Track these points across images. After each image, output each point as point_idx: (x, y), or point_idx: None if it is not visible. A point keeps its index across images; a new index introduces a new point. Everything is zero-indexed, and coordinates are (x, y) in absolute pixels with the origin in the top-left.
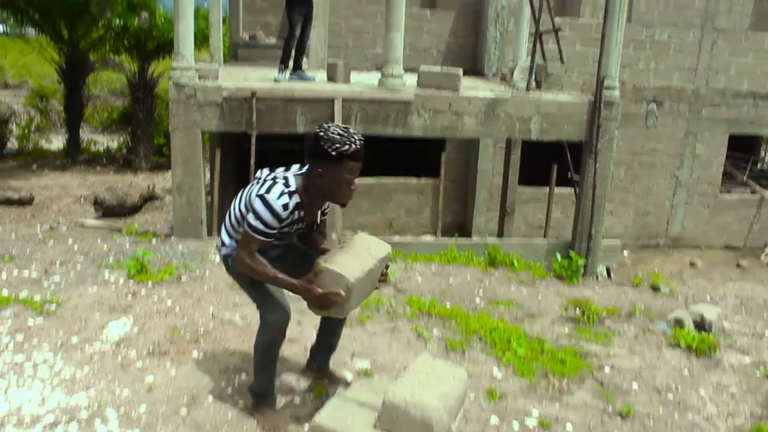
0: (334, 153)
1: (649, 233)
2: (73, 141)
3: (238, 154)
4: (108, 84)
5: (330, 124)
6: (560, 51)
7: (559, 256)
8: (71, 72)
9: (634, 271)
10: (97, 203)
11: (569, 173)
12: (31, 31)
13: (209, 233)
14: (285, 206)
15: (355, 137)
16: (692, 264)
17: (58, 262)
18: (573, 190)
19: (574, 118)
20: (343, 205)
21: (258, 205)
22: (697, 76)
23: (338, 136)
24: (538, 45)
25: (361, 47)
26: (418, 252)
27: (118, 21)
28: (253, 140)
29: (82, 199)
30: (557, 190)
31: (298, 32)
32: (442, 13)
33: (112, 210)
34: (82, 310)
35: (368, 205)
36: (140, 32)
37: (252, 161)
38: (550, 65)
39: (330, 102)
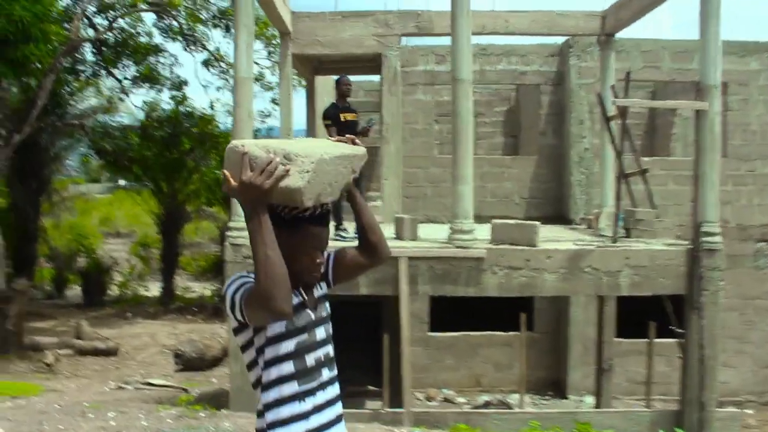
0: (287, 218)
1: None
2: (167, 289)
3: None
4: (209, 231)
5: None
6: (650, 194)
7: None
8: (168, 222)
9: None
10: (177, 356)
11: (671, 327)
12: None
13: None
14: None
15: None
16: None
17: None
18: (677, 342)
19: (670, 270)
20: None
21: (228, 291)
22: None
23: None
24: (624, 189)
25: (440, 197)
26: (496, 427)
27: (212, 174)
28: None
29: (166, 349)
30: (661, 340)
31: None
32: (523, 159)
33: (191, 363)
34: None
35: (452, 360)
36: None
37: None
38: (640, 210)
39: (394, 261)
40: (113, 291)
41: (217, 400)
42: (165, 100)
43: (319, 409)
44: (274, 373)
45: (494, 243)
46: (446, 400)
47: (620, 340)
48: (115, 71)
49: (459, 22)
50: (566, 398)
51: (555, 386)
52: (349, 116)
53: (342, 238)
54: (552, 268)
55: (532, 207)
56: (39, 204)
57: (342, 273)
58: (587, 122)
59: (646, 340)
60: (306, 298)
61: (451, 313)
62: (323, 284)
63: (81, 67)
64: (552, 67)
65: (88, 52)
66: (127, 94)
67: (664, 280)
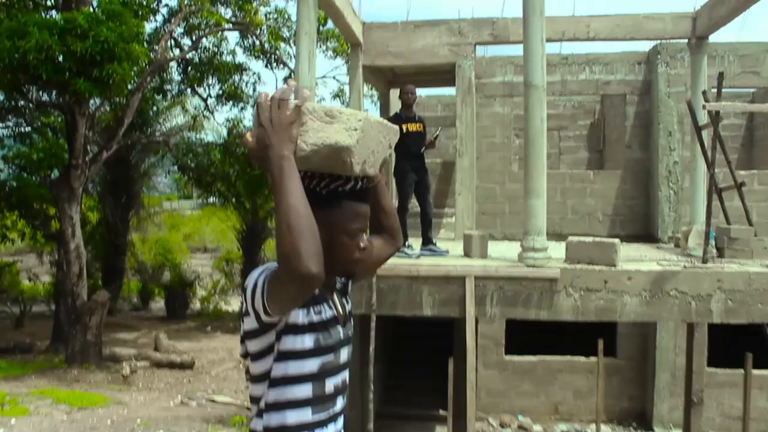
0: (324, 192)
1: None
2: None
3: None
4: None
5: None
6: (746, 210)
7: None
8: (249, 238)
9: None
10: (248, 372)
11: None
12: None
13: None
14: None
15: None
16: None
17: None
18: None
19: None
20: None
21: (251, 276)
22: None
23: None
24: (717, 205)
25: (518, 213)
26: None
27: None
28: (373, 324)
29: (241, 365)
30: (761, 372)
31: (409, 204)
32: (607, 174)
33: None
34: None
35: (529, 386)
36: None
37: (371, 347)
38: (735, 227)
39: (461, 280)
40: (195, 305)
41: None
42: (247, 117)
43: None
44: (287, 394)
45: (569, 262)
46: (521, 427)
47: (714, 370)
48: (200, 90)
49: (531, 22)
50: (651, 431)
51: (640, 417)
52: (413, 126)
53: (432, 252)
54: (633, 290)
55: (617, 224)
56: (128, 218)
57: (365, 270)
58: (677, 134)
59: (742, 371)
60: (339, 312)
61: (529, 334)
62: (348, 298)
63: (168, 87)
64: (638, 75)
65: (174, 72)
66: (211, 113)
67: (763, 307)
